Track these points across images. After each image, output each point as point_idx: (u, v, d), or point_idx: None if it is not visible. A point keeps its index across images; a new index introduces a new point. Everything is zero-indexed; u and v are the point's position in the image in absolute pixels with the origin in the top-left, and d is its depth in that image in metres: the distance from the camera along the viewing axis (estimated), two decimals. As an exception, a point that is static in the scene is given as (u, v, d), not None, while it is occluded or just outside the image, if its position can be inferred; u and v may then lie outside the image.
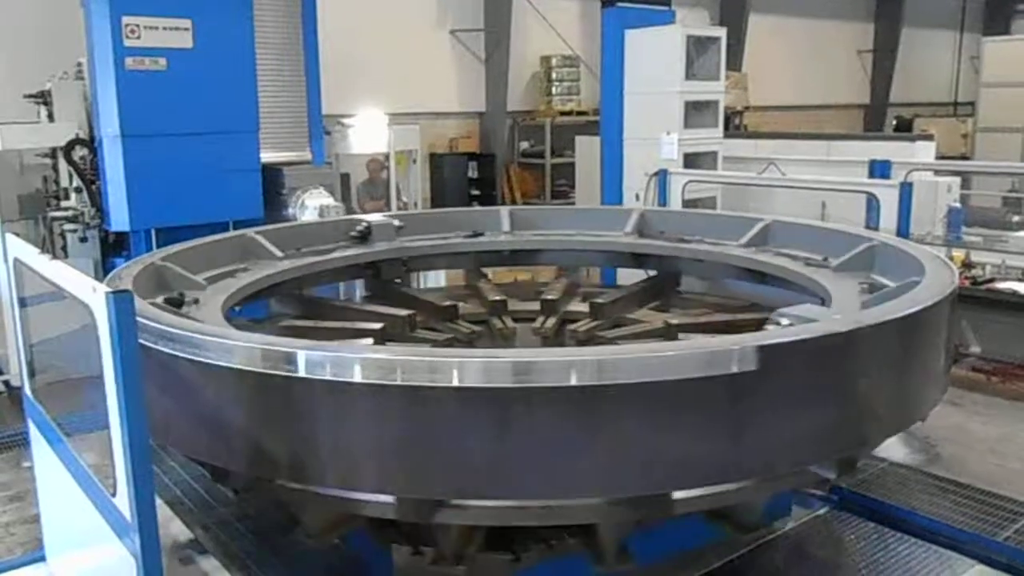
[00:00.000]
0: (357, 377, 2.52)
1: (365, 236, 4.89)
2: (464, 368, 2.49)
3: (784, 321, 3.05)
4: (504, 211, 5.47)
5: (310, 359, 2.58)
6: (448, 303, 4.78)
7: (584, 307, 4.77)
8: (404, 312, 4.41)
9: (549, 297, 4.87)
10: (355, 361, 2.55)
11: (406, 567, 3.12)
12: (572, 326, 4.56)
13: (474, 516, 2.80)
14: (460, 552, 3.04)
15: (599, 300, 4.74)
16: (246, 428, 2.78)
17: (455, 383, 2.47)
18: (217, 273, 4.13)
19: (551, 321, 4.67)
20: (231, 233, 4.58)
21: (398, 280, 5.19)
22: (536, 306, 4.86)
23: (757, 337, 2.76)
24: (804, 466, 2.94)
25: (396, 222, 5.07)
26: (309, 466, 2.69)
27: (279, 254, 4.48)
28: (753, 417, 2.62)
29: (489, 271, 5.55)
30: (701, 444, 2.60)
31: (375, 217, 5.23)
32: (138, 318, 2.32)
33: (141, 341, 2.43)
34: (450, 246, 5.22)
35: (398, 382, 2.48)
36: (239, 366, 2.68)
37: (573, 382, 2.44)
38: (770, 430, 2.66)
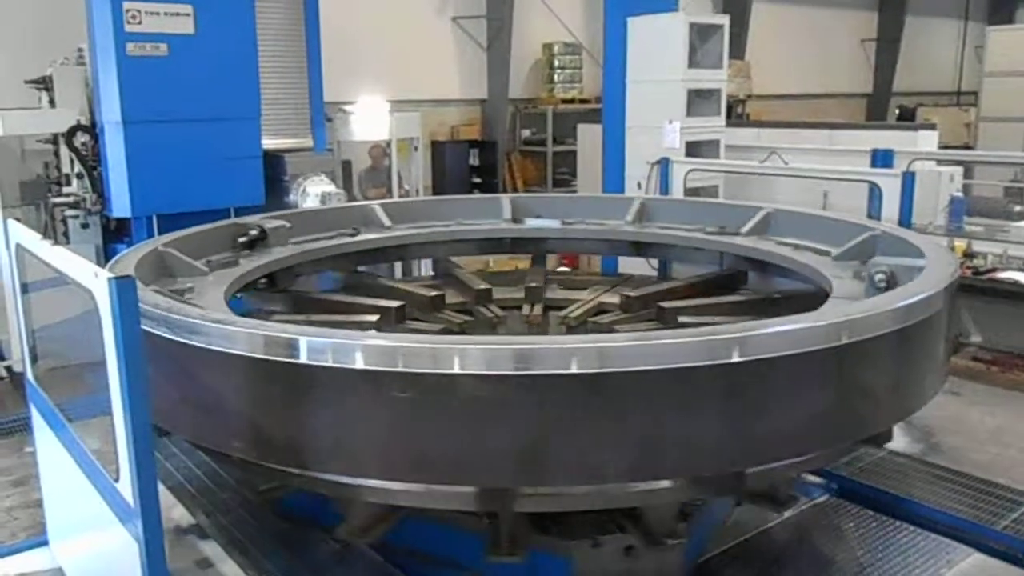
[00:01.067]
0: (664, 364, 2.53)
1: (254, 242, 4.41)
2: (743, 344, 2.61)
3: (885, 268, 3.41)
4: (377, 206, 5.17)
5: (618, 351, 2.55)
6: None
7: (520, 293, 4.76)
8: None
9: (482, 287, 4.71)
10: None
11: (585, 562, 3.12)
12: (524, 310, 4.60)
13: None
14: (674, 528, 3.14)
15: (532, 284, 4.76)
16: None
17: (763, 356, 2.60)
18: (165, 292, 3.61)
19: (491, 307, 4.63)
20: (146, 245, 3.98)
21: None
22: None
23: (932, 284, 3.11)
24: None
25: (287, 224, 4.59)
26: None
27: (204, 268, 3.94)
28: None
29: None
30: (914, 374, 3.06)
31: (267, 221, 4.64)
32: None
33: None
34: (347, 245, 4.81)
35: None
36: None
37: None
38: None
